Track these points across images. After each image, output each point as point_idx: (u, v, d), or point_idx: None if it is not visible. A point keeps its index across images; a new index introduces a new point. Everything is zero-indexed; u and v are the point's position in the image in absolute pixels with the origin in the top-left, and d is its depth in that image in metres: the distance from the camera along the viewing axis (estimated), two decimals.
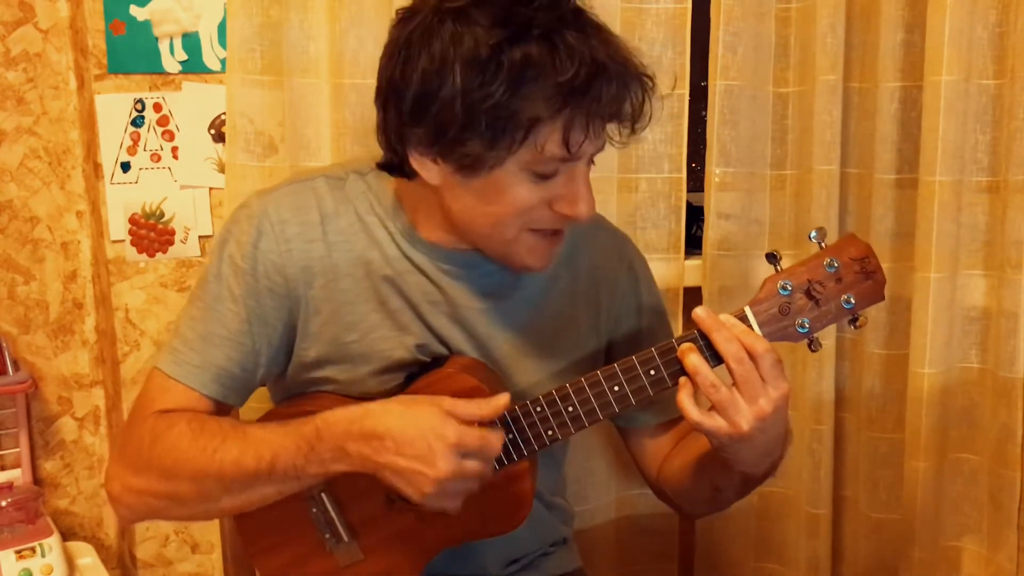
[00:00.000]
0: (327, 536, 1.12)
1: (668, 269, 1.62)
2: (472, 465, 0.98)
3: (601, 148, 1.02)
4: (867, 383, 1.66)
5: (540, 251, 1.06)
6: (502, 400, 1.01)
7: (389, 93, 1.01)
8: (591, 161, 1.03)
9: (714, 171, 1.60)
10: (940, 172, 1.51)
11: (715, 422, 0.95)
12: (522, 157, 0.97)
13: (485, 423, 1.00)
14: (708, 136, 1.60)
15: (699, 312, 0.97)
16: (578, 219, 1.01)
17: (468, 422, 0.99)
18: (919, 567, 1.64)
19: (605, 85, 0.95)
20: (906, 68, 1.56)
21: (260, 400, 1.21)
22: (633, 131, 1.02)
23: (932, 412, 1.58)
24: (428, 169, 1.02)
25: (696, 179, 1.67)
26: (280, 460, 1.00)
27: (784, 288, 0.99)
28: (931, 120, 1.51)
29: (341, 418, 1.00)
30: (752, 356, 0.95)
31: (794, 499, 1.70)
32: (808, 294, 0.99)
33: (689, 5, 1.58)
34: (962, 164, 1.54)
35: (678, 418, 1.21)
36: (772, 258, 1.00)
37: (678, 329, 1.59)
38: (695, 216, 1.71)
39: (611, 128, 1.01)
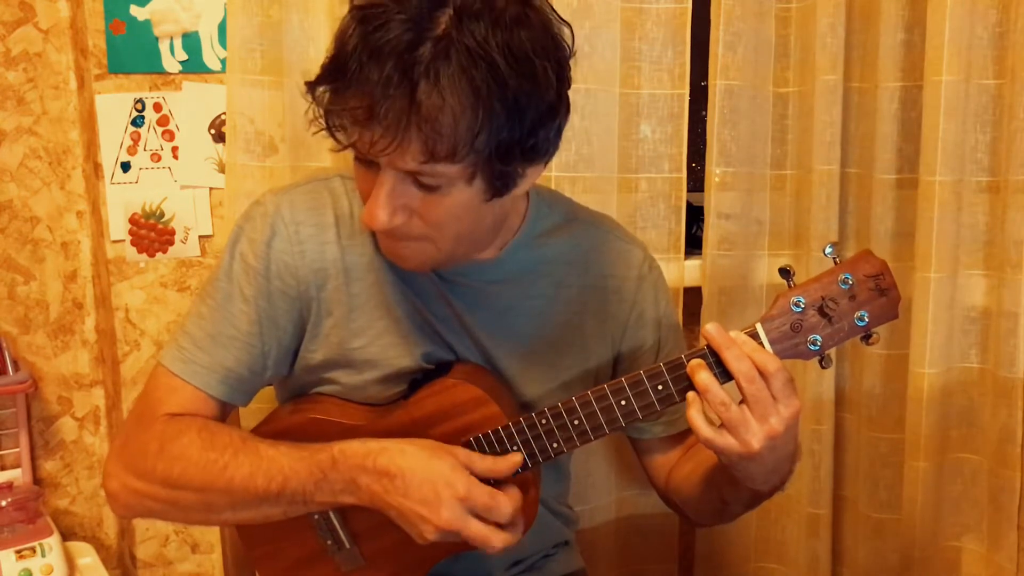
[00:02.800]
0: (329, 542, 1.12)
1: (668, 269, 1.61)
2: (476, 526, 0.97)
3: (399, 164, 0.91)
4: (867, 383, 1.66)
5: (383, 241, 1.03)
6: (516, 458, 1.02)
7: None
8: (418, 183, 0.93)
9: (714, 171, 1.60)
10: (940, 172, 1.51)
11: (725, 440, 0.94)
12: None
13: (501, 480, 1.01)
14: (708, 136, 1.60)
15: (709, 329, 0.95)
16: (363, 223, 0.97)
17: (480, 475, 0.99)
18: (919, 567, 1.64)
19: (345, 79, 0.88)
20: (906, 68, 1.56)
21: (263, 401, 1.20)
22: (429, 159, 0.89)
23: (932, 412, 1.58)
24: None
25: (696, 179, 1.67)
26: (290, 484, 1.00)
27: (797, 305, 0.97)
28: (931, 120, 1.51)
29: (357, 451, 1.00)
30: (763, 374, 0.93)
31: (794, 499, 1.70)
32: (821, 311, 0.97)
33: (689, 5, 1.58)
34: (962, 164, 1.54)
35: (687, 430, 1.21)
36: (785, 273, 0.99)
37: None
38: (695, 216, 1.71)
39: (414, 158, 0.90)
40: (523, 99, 0.90)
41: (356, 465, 0.99)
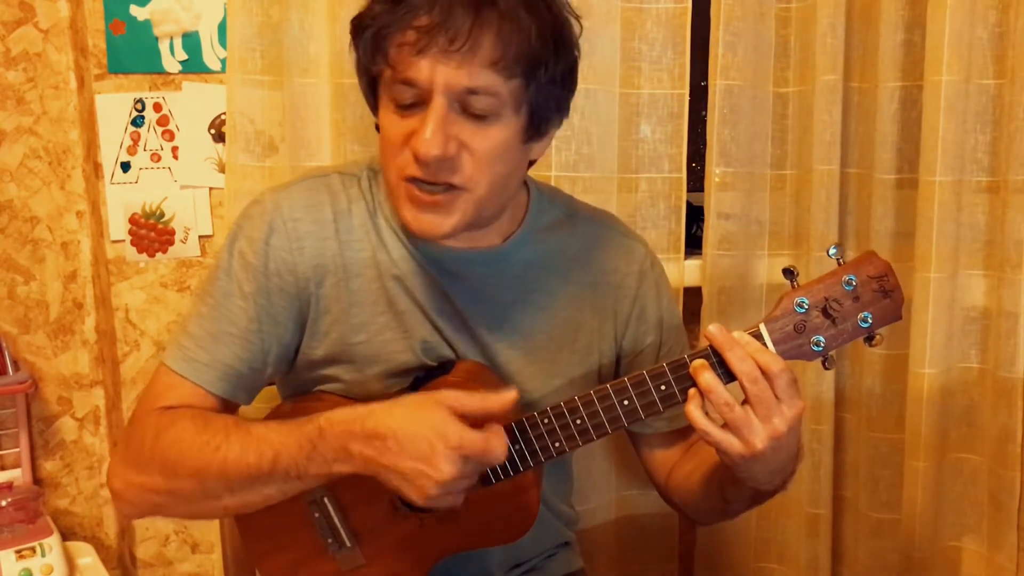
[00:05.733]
0: (329, 541, 1.12)
1: (668, 269, 1.59)
2: (473, 466, 0.96)
3: (455, 82, 0.94)
4: (867, 383, 1.66)
5: (415, 202, 1.00)
6: (510, 396, 0.97)
7: None
8: (467, 111, 0.96)
9: (714, 171, 1.60)
10: (940, 172, 1.51)
11: (727, 438, 0.94)
12: (384, 83, 0.99)
13: (492, 419, 0.97)
14: (708, 136, 1.60)
15: (712, 329, 0.95)
16: (418, 154, 0.96)
17: (473, 416, 0.97)
18: (919, 567, 1.64)
19: None
20: (906, 68, 1.56)
21: (264, 400, 1.20)
22: (500, 64, 0.94)
23: (932, 412, 1.58)
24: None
25: (696, 179, 1.67)
26: (282, 458, 0.99)
27: (800, 306, 0.97)
28: (931, 120, 1.51)
29: (344, 417, 0.98)
30: (767, 375, 0.93)
31: (794, 499, 1.70)
32: (824, 312, 0.97)
33: (689, 5, 1.58)
34: (962, 164, 1.54)
35: (689, 427, 1.20)
36: (789, 274, 0.99)
37: None
38: (695, 216, 1.71)
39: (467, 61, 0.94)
40: (565, 39, 1.00)
41: (344, 431, 0.97)
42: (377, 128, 1.05)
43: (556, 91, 1.01)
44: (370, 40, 0.98)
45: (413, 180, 0.99)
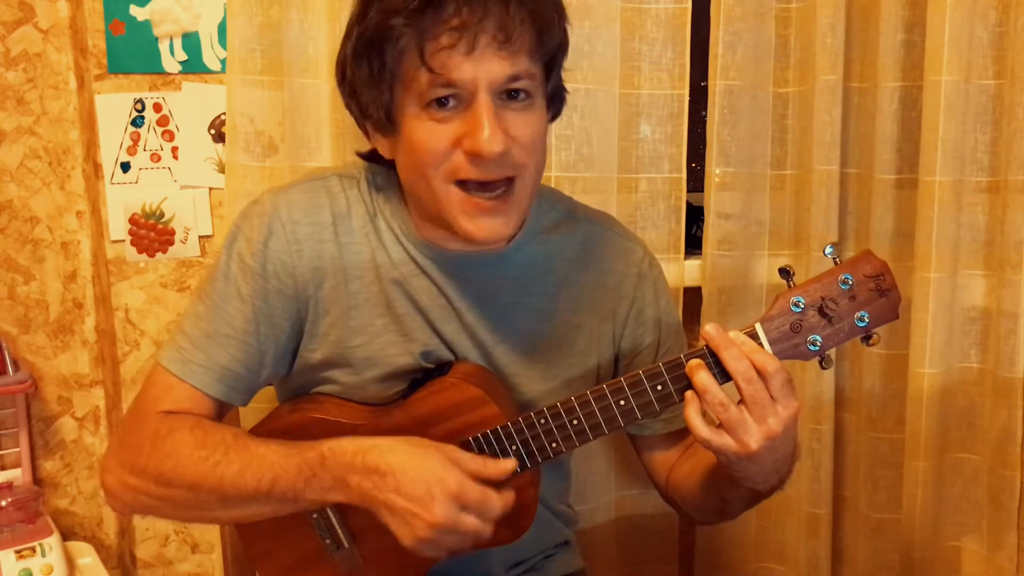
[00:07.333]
0: (327, 542, 1.12)
1: (668, 269, 1.61)
2: (469, 521, 0.97)
3: (499, 74, 0.95)
4: (867, 383, 1.66)
5: (475, 211, 1.00)
6: (509, 464, 1.01)
7: (338, 78, 1.07)
8: (510, 94, 0.97)
9: (714, 171, 1.60)
10: (940, 172, 1.51)
11: (723, 440, 0.94)
12: (410, 93, 0.97)
13: (488, 481, 1.00)
14: (708, 136, 1.60)
15: (708, 329, 0.96)
16: (481, 154, 0.95)
17: (472, 476, 0.99)
18: (919, 567, 1.64)
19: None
20: (906, 68, 1.56)
21: (263, 400, 1.20)
22: (537, 52, 0.98)
23: (932, 412, 1.58)
24: (380, 144, 1.06)
25: (696, 179, 1.67)
26: (280, 482, 1.00)
27: (796, 305, 0.97)
28: (931, 120, 1.51)
29: (346, 449, 0.99)
30: (762, 375, 0.94)
31: (794, 499, 1.70)
32: (821, 311, 0.97)
33: (689, 5, 1.58)
34: (962, 164, 1.54)
35: (687, 428, 1.20)
36: (785, 273, 0.99)
37: None
38: (695, 216, 1.71)
39: (507, 50, 0.95)
40: (564, 15, 1.03)
41: (345, 463, 0.99)
42: (372, 154, 1.07)
43: (561, 71, 1.06)
44: (401, 51, 0.96)
45: (467, 184, 0.98)
